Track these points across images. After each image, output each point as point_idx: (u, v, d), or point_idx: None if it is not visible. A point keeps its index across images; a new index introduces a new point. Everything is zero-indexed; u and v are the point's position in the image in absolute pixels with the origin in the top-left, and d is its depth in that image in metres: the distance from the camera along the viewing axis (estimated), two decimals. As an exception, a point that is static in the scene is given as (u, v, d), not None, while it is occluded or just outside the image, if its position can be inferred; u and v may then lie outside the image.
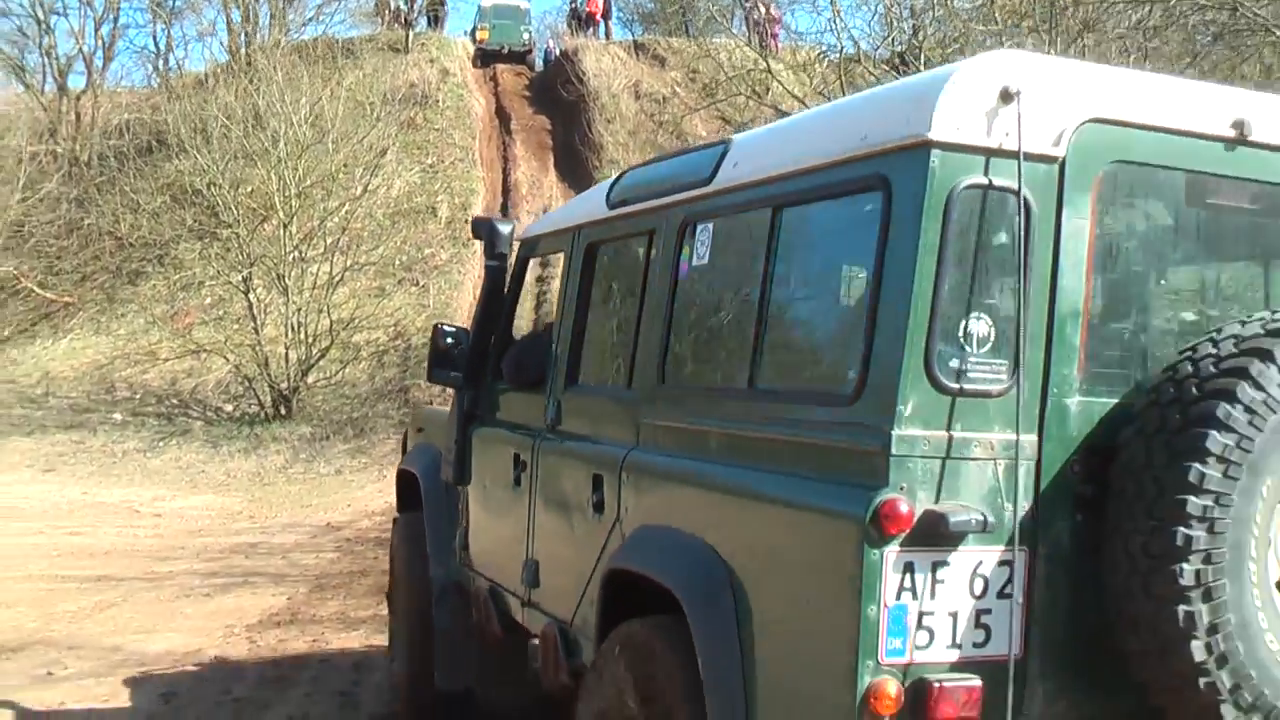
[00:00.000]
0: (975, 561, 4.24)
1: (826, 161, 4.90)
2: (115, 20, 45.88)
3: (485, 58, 46.36)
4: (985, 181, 4.32)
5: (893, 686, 4.09)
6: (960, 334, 4.31)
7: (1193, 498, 4.00)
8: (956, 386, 4.27)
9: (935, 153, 4.29)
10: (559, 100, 41.42)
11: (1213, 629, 4.01)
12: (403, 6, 47.34)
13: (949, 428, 4.26)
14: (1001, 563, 4.27)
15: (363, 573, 15.44)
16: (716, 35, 39.14)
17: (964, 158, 4.31)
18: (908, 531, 4.11)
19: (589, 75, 41.24)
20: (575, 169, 38.04)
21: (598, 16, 49.88)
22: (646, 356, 6.15)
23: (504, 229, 8.16)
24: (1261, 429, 4.06)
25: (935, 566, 4.19)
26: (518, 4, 48.79)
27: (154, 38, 49.92)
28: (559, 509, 6.94)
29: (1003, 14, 24.99)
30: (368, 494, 21.95)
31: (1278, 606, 4.18)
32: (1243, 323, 4.34)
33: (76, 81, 44.98)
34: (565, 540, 6.77)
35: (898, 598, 4.15)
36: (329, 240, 30.49)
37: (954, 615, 4.23)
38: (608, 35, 49.42)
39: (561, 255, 7.68)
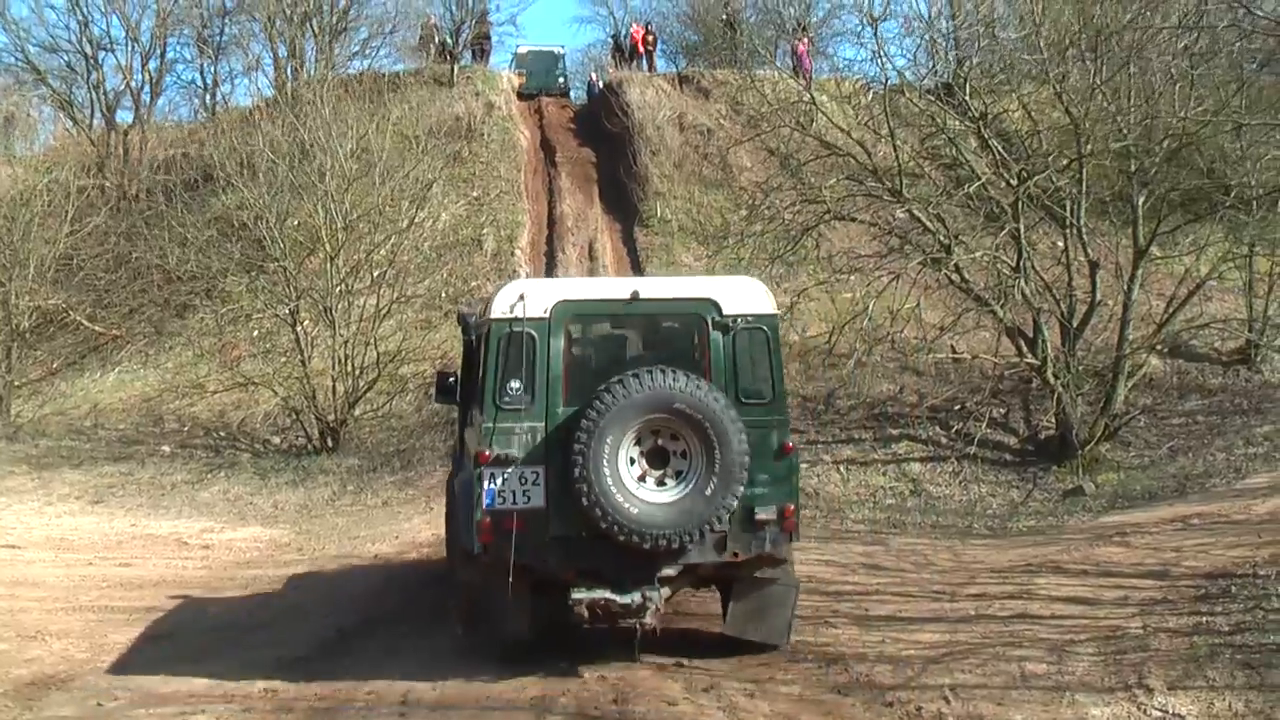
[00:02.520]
0: (521, 471, 11.33)
1: (495, 318, 11.69)
2: (162, 56, 46.38)
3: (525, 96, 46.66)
4: (510, 331, 11.45)
5: (488, 518, 11.26)
6: (507, 388, 11.45)
7: (577, 444, 11.02)
8: (505, 407, 11.45)
9: (493, 322, 11.55)
10: (604, 133, 41.49)
11: (589, 491, 10.97)
12: (448, 41, 47.45)
13: (501, 423, 11.40)
14: (534, 471, 11.34)
15: (412, 603, 15.41)
16: (761, 67, 39.17)
17: (504, 322, 11.52)
18: (489, 462, 11.28)
19: (633, 107, 41.25)
20: (620, 201, 38.13)
21: (641, 49, 49.94)
22: (469, 389, 13.64)
23: (471, 319, 13.99)
24: (603, 416, 11.04)
25: (502, 473, 11.29)
26: (553, 50, 50.71)
27: (201, 73, 50.13)
28: (466, 459, 13.12)
29: (1047, 44, 24.93)
30: (415, 525, 21.91)
31: (623, 482, 11.10)
32: (622, 375, 11.32)
33: (124, 117, 45.42)
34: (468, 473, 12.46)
35: (489, 485, 11.30)
36: (376, 273, 30.60)
37: (514, 491, 11.30)
38: (651, 67, 49.44)
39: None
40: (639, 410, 11.16)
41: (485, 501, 11.34)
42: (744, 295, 12.01)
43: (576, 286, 13.13)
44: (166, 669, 12.30)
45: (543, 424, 11.48)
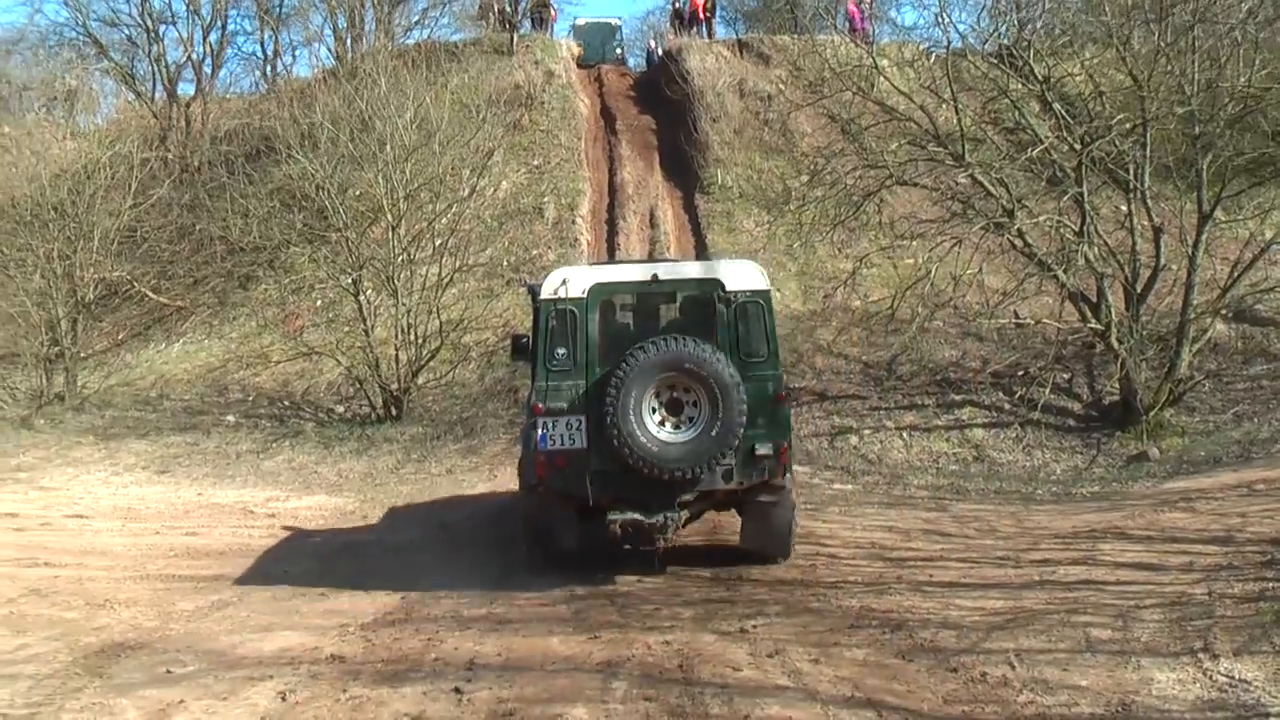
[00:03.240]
0: (568, 419, 14.52)
1: (543, 299, 14.90)
2: (223, 28, 46.78)
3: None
4: (556, 309, 14.76)
5: (542, 457, 14.52)
6: (555, 353, 14.69)
7: (609, 397, 14.11)
8: (554, 369, 14.68)
9: (543, 300, 14.91)
10: (664, 100, 41.35)
11: (619, 434, 14.04)
12: (507, 9, 47.47)
13: (550, 382, 14.65)
14: (577, 419, 14.52)
15: (476, 571, 15.49)
16: (822, 31, 39.02)
17: (551, 301, 14.82)
18: (542, 413, 14.52)
19: (693, 74, 41.11)
20: (681, 168, 38.04)
21: (701, 15, 49.83)
22: (536, 357, 15.14)
23: (538, 290, 15.59)
24: (629, 375, 14.09)
25: (552, 421, 14.50)
26: (609, 21, 51.93)
27: (261, 44, 50.46)
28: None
29: (1112, 6, 24.72)
30: (479, 493, 22.00)
31: (646, 427, 14.14)
32: (644, 342, 14.42)
33: (186, 89, 45.75)
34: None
35: (543, 431, 14.52)
36: (437, 242, 30.67)
37: (561, 435, 14.52)
38: (710, 34, 49.31)
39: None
40: (657, 369, 14.26)
41: (540, 444, 14.61)
42: (743, 275, 15.26)
43: (608, 271, 16.29)
44: (234, 636, 12.44)
45: (583, 382, 14.69)
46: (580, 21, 50.47)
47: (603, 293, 15.20)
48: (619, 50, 51.11)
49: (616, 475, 14.50)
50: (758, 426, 14.59)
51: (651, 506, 14.59)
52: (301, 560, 16.98)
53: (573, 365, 14.76)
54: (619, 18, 52.32)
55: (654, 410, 14.42)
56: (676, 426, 14.46)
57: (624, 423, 14.14)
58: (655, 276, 15.41)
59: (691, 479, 14.47)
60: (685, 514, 15.15)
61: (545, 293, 15.03)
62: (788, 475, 15.22)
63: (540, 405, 14.67)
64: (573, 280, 15.04)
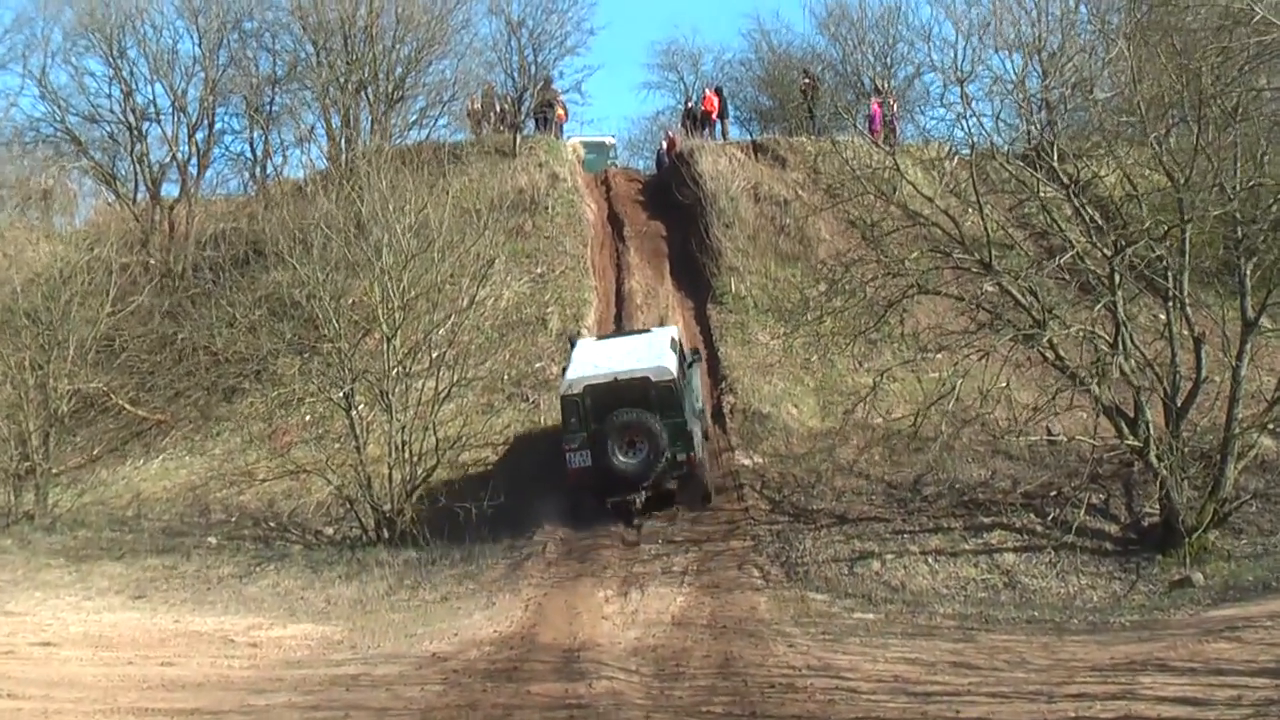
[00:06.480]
0: (580, 452, 27.20)
1: (561, 394, 28.10)
2: (210, 127, 46.86)
3: None
4: (568, 398, 27.52)
5: (571, 471, 27.57)
6: (570, 420, 27.36)
7: (597, 441, 26.98)
8: (570, 429, 27.43)
9: (561, 395, 28.02)
10: (675, 204, 41.60)
11: (605, 460, 26.86)
12: (507, 109, 47.75)
13: (569, 434, 27.41)
14: (585, 451, 27.12)
15: (470, 706, 15.33)
16: (841, 132, 39.21)
17: (566, 395, 27.60)
18: (568, 449, 27.42)
19: (705, 177, 41.43)
20: (693, 276, 38.27)
21: (714, 116, 50.09)
22: (562, 420, 28.29)
23: (574, 340, 30.91)
24: (609, 429, 26.81)
25: (573, 454, 27.27)
26: (603, 140, 55.77)
27: (251, 144, 50.27)
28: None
29: (1146, 104, 24.75)
30: (476, 622, 21.79)
31: (617, 455, 26.88)
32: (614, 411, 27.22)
33: (170, 190, 45.88)
34: None
35: (569, 457, 27.42)
36: (435, 354, 30.67)
37: (579, 460, 27.28)
38: (724, 135, 49.62)
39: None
40: (621, 427, 26.68)
41: (570, 464, 27.23)
42: (662, 371, 27.18)
43: (593, 374, 27.56)
44: (209, 775, 12.28)
45: (585, 433, 26.93)
46: (575, 140, 51.48)
47: (591, 389, 27.11)
48: (613, 166, 53.06)
49: (606, 479, 26.89)
50: (676, 446, 26.76)
51: (625, 493, 27.02)
52: (284, 693, 16.78)
53: (580, 425, 27.02)
54: (612, 135, 54.87)
55: (620, 447, 26.71)
56: (632, 456, 26.76)
57: (606, 455, 26.56)
58: (616, 378, 27.17)
59: (644, 478, 26.78)
60: (644, 495, 27.17)
61: (562, 390, 27.76)
62: (700, 466, 27.46)
63: (565, 445, 27.21)
64: (574, 382, 27.35)
